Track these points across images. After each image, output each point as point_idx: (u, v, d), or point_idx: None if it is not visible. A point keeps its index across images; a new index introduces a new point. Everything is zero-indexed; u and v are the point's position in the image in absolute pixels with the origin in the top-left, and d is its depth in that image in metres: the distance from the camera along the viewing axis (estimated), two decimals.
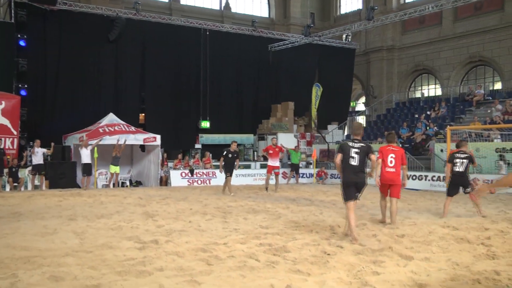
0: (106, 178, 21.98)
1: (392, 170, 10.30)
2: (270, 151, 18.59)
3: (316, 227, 9.72)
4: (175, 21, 28.29)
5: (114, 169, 20.62)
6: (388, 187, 10.46)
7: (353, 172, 8.46)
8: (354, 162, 8.46)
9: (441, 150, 21.49)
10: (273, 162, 18.64)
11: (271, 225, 10.17)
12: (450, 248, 7.78)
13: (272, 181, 19.39)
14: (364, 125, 33.87)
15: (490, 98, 26.97)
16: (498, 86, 30.21)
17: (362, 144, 8.61)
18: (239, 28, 30.49)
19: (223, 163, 17.52)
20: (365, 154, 8.53)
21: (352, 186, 8.47)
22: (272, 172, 18.76)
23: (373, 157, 8.75)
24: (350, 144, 8.59)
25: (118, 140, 20.71)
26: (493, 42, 29.50)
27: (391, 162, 10.30)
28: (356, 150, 8.51)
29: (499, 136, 20.68)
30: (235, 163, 17.80)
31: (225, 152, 17.57)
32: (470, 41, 30.60)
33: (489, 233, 9.08)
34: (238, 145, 29.12)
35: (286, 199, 15.84)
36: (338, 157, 8.61)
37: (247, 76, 30.58)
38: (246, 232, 9.27)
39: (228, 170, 17.52)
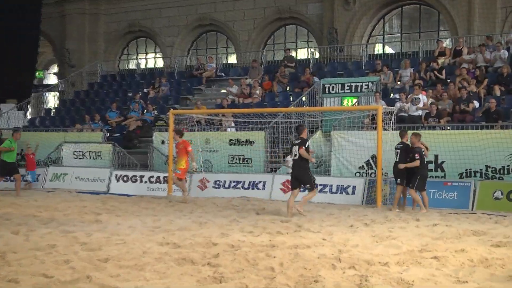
0: None
1: None
2: None
3: None
4: None
5: None
6: None
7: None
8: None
9: (162, 142, 22.33)
10: None
11: None
12: (169, 273, 8.16)
13: None
14: (57, 105, 33.39)
15: (223, 74, 29.11)
16: (233, 59, 32.83)
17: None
18: None
19: None
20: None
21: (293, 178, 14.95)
22: None
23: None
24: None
25: None
26: (227, 1, 31.78)
27: None
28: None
29: (233, 124, 22.42)
30: None
31: None
32: None
33: (217, 249, 9.79)
34: None
35: None
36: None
37: None
38: None
39: None
